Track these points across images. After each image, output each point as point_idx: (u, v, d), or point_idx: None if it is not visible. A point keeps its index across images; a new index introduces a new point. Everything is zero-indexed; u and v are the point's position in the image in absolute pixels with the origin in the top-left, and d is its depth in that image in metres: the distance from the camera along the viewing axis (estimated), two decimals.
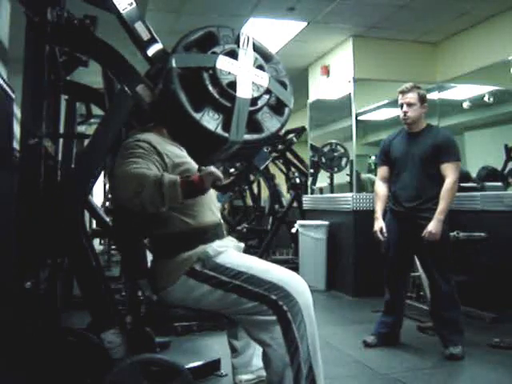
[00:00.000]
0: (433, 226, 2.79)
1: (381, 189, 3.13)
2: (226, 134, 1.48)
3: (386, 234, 2.99)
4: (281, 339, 1.63)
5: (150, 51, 1.62)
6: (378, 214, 3.04)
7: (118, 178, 1.59)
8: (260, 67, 1.57)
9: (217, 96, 1.48)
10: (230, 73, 1.49)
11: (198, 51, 1.53)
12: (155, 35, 1.64)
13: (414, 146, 2.97)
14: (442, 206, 2.81)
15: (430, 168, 2.91)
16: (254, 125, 1.54)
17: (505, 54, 4.28)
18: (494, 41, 4.52)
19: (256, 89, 1.52)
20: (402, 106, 2.99)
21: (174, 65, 1.46)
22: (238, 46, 1.56)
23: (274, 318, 1.65)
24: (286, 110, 1.62)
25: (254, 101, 1.52)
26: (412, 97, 2.94)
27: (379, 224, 3.01)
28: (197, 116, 1.46)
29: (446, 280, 2.88)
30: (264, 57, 1.63)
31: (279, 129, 1.60)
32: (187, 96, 1.46)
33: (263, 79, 1.55)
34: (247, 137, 1.53)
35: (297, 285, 1.71)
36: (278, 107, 1.60)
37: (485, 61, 4.54)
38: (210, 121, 1.48)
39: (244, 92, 1.49)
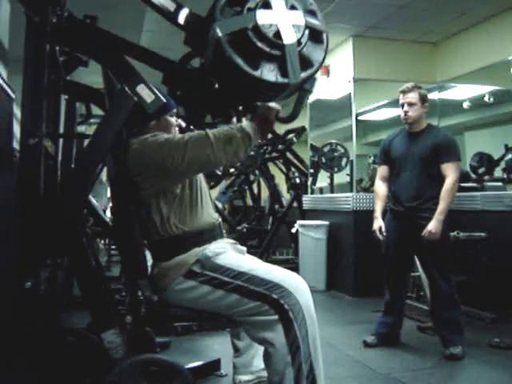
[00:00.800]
0: (433, 226, 2.79)
1: (381, 188, 3.13)
2: (286, 80, 1.56)
3: (385, 234, 2.99)
4: (283, 338, 1.63)
5: (181, 19, 1.65)
6: (378, 213, 3.05)
7: (196, 142, 1.68)
8: (292, 7, 1.61)
9: (267, 49, 1.55)
10: (271, 24, 1.55)
11: (231, 10, 1.57)
12: (179, 1, 1.67)
13: (414, 146, 2.97)
14: (442, 205, 2.81)
15: (430, 168, 2.91)
16: (304, 62, 1.62)
17: (505, 54, 4.29)
18: (493, 41, 4.52)
19: (297, 30, 1.59)
20: (402, 106, 2.99)
21: (220, 34, 1.49)
22: None
23: (275, 317, 1.65)
24: (324, 36, 1.68)
25: (298, 41, 1.60)
26: (413, 96, 2.94)
27: (378, 223, 3.01)
28: (257, 73, 1.53)
29: (446, 280, 2.88)
30: None
31: (325, 56, 1.68)
32: (243, 59, 1.51)
33: (299, 18, 1.61)
34: (303, 75, 1.61)
35: (297, 284, 1.72)
36: (316, 36, 1.66)
37: (485, 61, 4.54)
38: (269, 73, 1.55)
39: (289, 37, 1.57)
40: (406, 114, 2.97)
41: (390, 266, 3.07)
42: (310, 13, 1.68)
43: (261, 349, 1.81)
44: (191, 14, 1.65)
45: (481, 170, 4.49)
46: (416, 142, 2.98)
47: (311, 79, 1.70)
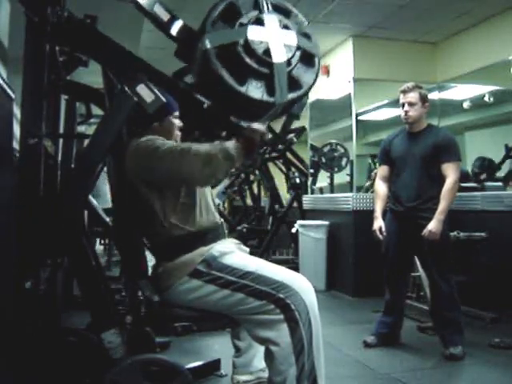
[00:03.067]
0: (433, 226, 2.79)
1: (381, 188, 3.13)
2: (272, 99, 1.55)
3: (385, 233, 2.99)
4: (288, 338, 1.63)
5: (174, 30, 1.65)
6: (378, 213, 3.05)
7: (176, 157, 1.66)
8: (285, 27, 1.61)
9: (255, 66, 1.54)
10: (261, 41, 1.54)
11: (223, 25, 1.57)
12: (174, 13, 1.66)
13: (414, 146, 2.97)
14: (442, 205, 2.81)
15: (430, 168, 2.91)
16: (293, 83, 1.61)
17: (505, 54, 4.28)
18: (493, 41, 4.52)
19: (288, 49, 1.58)
20: (403, 106, 2.98)
21: (208, 46, 1.49)
22: (260, 11, 1.59)
23: (281, 316, 1.65)
24: (316, 60, 1.67)
25: (288, 61, 1.58)
26: (413, 96, 2.94)
27: (378, 223, 3.01)
28: (242, 89, 1.52)
29: (446, 280, 2.88)
30: (285, 13, 1.67)
31: (315, 79, 1.66)
32: (228, 72, 1.50)
33: (291, 38, 1.60)
34: (290, 96, 1.59)
35: (303, 285, 1.73)
36: (308, 59, 1.66)
37: (485, 61, 4.54)
38: (255, 90, 1.54)
39: (279, 56, 1.55)
40: (406, 114, 2.96)
41: (390, 265, 3.07)
42: (304, 35, 1.67)
43: (261, 349, 1.80)
44: (185, 26, 1.64)
45: (482, 177, 4.48)
46: (416, 142, 2.97)
47: (299, 103, 1.68)
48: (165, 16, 1.64)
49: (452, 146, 2.91)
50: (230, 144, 1.65)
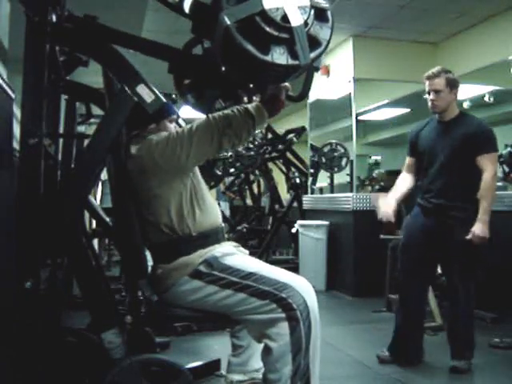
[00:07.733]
0: (478, 228, 2.48)
1: (402, 181, 2.82)
2: (297, 62, 1.59)
3: (392, 219, 2.65)
4: (287, 336, 1.63)
5: (186, 8, 1.67)
6: (392, 196, 2.73)
7: (195, 131, 1.73)
8: None
9: (276, 33, 1.57)
10: (277, 8, 1.57)
11: None
12: None
13: (444, 137, 2.66)
14: (483, 205, 2.53)
15: (461, 161, 2.62)
16: (312, 41, 1.65)
17: (505, 54, 4.29)
18: (493, 41, 4.52)
19: (303, 11, 1.61)
20: (429, 93, 2.67)
21: (228, 22, 1.51)
22: None
23: (282, 315, 1.65)
24: (329, 14, 1.70)
25: (305, 22, 1.62)
26: (439, 83, 2.62)
27: (389, 205, 2.66)
28: (269, 58, 1.56)
29: (467, 289, 2.60)
30: None
31: (331, 33, 1.70)
32: (252, 45, 1.55)
33: None
34: (312, 55, 1.64)
35: (304, 286, 1.73)
36: (321, 15, 1.69)
37: (485, 61, 4.54)
38: (280, 57, 1.58)
39: (296, 20, 1.59)
40: (432, 103, 2.65)
41: (408, 269, 2.71)
42: None
43: (258, 350, 1.80)
44: (196, 1, 1.67)
45: None
46: (446, 133, 2.66)
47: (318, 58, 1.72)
48: None
49: (487, 136, 2.64)
50: (251, 105, 1.74)
